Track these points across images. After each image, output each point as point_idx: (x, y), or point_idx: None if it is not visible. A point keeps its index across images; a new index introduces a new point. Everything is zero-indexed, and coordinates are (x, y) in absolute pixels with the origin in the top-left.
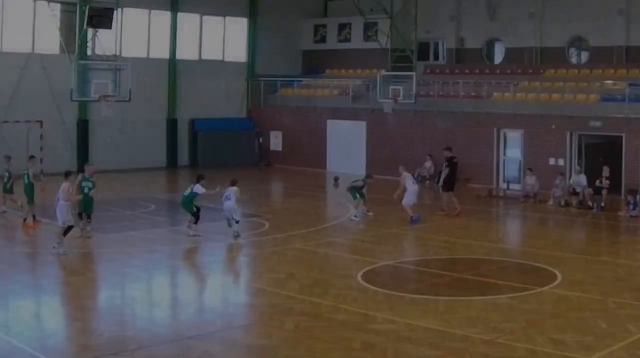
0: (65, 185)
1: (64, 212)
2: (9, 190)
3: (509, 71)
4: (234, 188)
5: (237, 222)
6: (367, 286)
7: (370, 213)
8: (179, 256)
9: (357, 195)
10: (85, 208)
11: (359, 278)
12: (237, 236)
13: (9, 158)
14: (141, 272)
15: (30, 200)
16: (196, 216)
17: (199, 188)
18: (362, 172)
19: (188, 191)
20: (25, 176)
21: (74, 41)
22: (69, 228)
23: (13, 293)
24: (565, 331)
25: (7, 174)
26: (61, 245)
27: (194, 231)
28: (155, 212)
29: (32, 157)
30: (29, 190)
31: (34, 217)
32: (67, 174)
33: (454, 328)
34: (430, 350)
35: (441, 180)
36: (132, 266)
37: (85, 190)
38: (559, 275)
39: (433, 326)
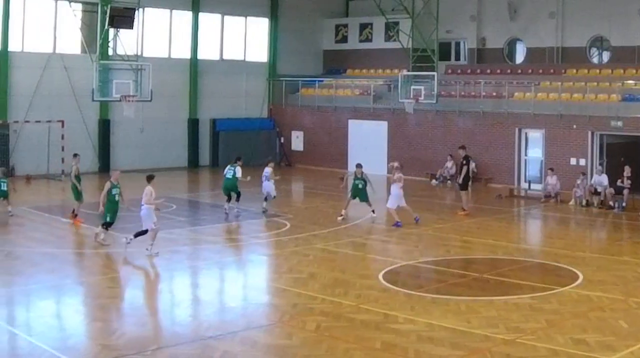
0: (148, 189)
1: (149, 216)
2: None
3: (530, 71)
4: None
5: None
6: (388, 286)
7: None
8: (199, 256)
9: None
10: (113, 217)
11: (380, 278)
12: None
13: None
14: (162, 272)
15: (76, 197)
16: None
17: (239, 171)
18: (383, 172)
19: (231, 173)
20: (70, 174)
21: (95, 41)
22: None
23: (34, 293)
24: (586, 331)
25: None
26: (154, 246)
27: (237, 209)
28: (176, 212)
29: (75, 155)
30: (74, 187)
31: (75, 214)
32: (149, 178)
33: (475, 328)
34: (451, 350)
35: (460, 179)
36: (152, 266)
37: (116, 198)
38: (580, 275)
39: (454, 326)
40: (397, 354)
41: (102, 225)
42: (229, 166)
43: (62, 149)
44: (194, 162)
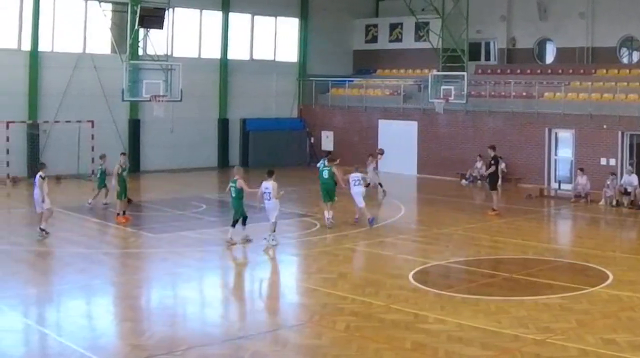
0: (273, 183)
1: (275, 209)
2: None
3: (560, 71)
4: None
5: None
6: (419, 286)
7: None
8: (230, 256)
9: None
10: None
11: (410, 278)
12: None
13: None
14: (192, 272)
15: (120, 196)
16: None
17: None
18: (413, 172)
19: (325, 171)
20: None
21: (125, 41)
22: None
23: (65, 294)
24: (616, 331)
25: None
26: (274, 238)
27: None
28: (206, 212)
29: (122, 154)
30: (121, 186)
31: (122, 213)
32: (270, 173)
33: (505, 329)
34: (481, 350)
35: (485, 173)
36: (183, 266)
37: (233, 194)
38: (610, 275)
39: (484, 326)
40: (427, 354)
41: (237, 222)
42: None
43: (92, 149)
44: (223, 162)
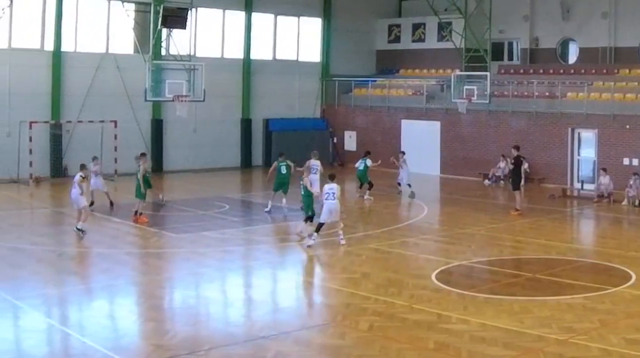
0: (336, 186)
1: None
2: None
3: (582, 71)
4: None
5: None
6: (441, 286)
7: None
8: (252, 256)
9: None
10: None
11: (433, 278)
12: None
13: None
14: (215, 272)
15: (140, 196)
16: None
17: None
18: (436, 172)
19: (362, 165)
20: (137, 173)
21: (148, 41)
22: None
23: (87, 293)
24: (639, 331)
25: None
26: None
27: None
28: (229, 212)
29: (143, 154)
30: (138, 186)
31: (138, 213)
32: (332, 177)
33: (528, 329)
34: (504, 350)
35: (509, 177)
36: (205, 266)
37: (302, 191)
38: (633, 275)
39: (507, 326)
40: (450, 354)
41: (306, 219)
42: (360, 160)
43: (115, 149)
44: (246, 162)
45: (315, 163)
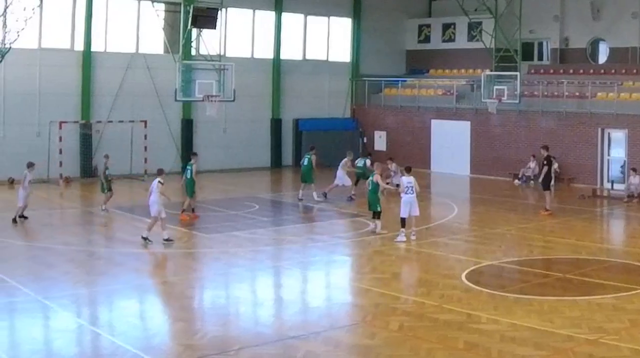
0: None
1: (416, 202)
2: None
3: (612, 71)
4: None
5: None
6: (471, 286)
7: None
8: (282, 256)
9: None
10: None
11: (463, 278)
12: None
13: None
14: (245, 272)
15: (191, 194)
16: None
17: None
18: (466, 172)
19: (361, 162)
20: (188, 171)
21: (178, 41)
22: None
23: (117, 293)
24: None
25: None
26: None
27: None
28: (259, 212)
29: (194, 154)
30: (191, 185)
31: (192, 210)
32: (408, 169)
33: (558, 328)
34: (534, 350)
35: (540, 178)
36: (235, 266)
37: (369, 187)
38: None
39: (537, 326)
40: (480, 354)
41: (373, 216)
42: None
43: (145, 149)
44: (276, 162)
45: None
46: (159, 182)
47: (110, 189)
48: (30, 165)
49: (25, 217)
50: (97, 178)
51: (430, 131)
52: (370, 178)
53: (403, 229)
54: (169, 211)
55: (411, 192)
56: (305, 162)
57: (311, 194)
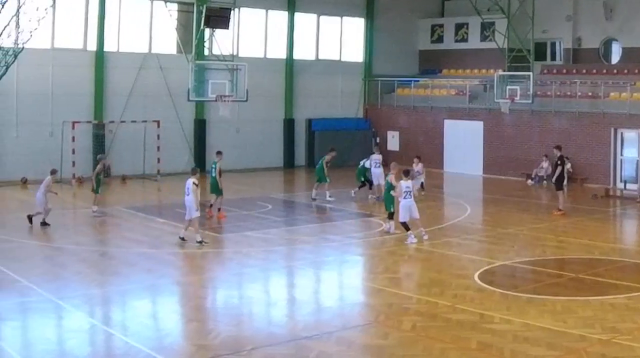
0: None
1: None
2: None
3: (625, 71)
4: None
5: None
6: (484, 286)
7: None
8: (295, 256)
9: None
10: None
11: (476, 278)
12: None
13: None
14: (258, 272)
15: (220, 192)
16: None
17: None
18: (479, 172)
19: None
20: (213, 169)
21: (190, 41)
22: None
23: (130, 294)
24: None
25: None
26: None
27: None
28: (272, 212)
29: (219, 152)
30: (215, 183)
31: (219, 209)
32: (407, 172)
33: (570, 328)
34: (547, 350)
35: (554, 178)
36: (248, 266)
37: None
38: None
39: (550, 326)
40: (493, 354)
41: (389, 216)
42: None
43: (158, 149)
44: (289, 162)
45: (377, 157)
46: (194, 183)
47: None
48: (53, 172)
49: (48, 224)
50: (110, 178)
51: (443, 131)
52: (387, 178)
53: (410, 232)
54: (180, 211)
55: (409, 196)
56: (319, 163)
57: (324, 194)
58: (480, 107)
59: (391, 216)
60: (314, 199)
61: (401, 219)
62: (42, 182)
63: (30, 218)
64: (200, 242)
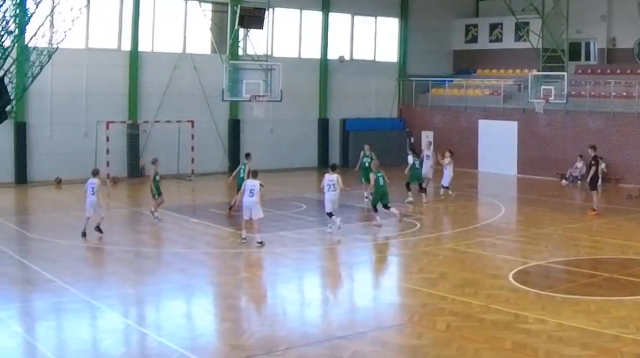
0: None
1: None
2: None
3: None
4: None
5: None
6: (519, 286)
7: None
8: (329, 256)
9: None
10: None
11: (510, 278)
12: None
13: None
14: (292, 272)
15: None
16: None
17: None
18: (513, 172)
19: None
20: (242, 170)
21: (225, 41)
22: None
23: (164, 293)
24: None
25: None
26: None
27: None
28: (306, 212)
29: (248, 154)
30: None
31: (230, 208)
32: (334, 167)
33: (605, 329)
34: (581, 350)
35: (588, 178)
36: (282, 266)
37: (380, 182)
38: None
39: (584, 326)
40: (527, 354)
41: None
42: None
43: (192, 149)
44: (324, 162)
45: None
46: (261, 185)
47: (160, 194)
48: (96, 173)
49: (101, 231)
50: (144, 178)
51: (477, 131)
52: (381, 175)
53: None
54: (214, 211)
55: (333, 189)
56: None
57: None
58: (515, 107)
59: (375, 208)
60: (366, 198)
61: (327, 210)
62: (88, 185)
63: (99, 228)
64: (260, 243)
